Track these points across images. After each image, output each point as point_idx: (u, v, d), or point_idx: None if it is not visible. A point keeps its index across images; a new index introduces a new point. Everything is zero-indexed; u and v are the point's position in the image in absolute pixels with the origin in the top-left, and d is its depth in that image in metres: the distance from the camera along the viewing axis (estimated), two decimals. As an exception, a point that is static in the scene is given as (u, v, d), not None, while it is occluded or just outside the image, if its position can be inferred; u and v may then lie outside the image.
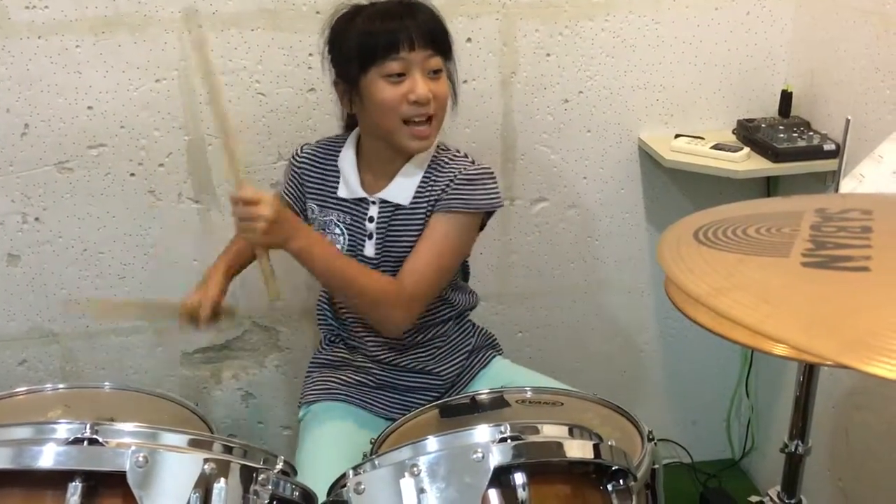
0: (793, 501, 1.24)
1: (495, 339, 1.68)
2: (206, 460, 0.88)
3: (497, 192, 1.47)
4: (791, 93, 1.87)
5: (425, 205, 1.46)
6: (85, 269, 1.85)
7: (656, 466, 1.26)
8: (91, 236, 1.83)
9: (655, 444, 1.27)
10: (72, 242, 1.83)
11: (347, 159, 1.51)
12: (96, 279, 1.87)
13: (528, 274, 2.05)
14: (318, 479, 1.08)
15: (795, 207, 0.86)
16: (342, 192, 1.50)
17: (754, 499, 1.26)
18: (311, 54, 1.75)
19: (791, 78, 1.91)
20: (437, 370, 1.56)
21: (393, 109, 1.37)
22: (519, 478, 0.91)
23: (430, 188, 1.46)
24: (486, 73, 1.85)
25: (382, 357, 1.55)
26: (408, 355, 1.55)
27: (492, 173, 1.47)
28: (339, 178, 1.51)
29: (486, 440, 0.93)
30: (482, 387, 1.53)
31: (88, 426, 0.87)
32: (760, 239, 0.78)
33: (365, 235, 1.48)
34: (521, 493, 0.90)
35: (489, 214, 1.51)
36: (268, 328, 1.99)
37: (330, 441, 1.43)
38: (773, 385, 2.12)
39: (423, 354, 1.56)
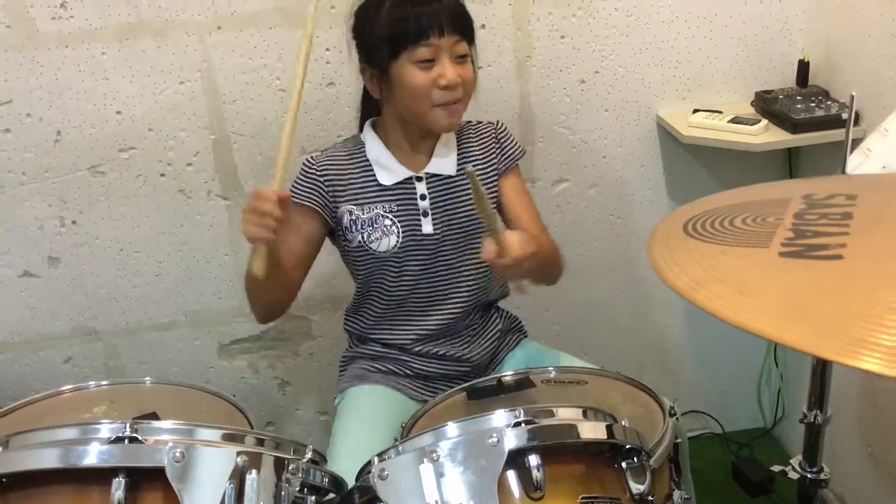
0: (814, 470, 1.26)
1: (521, 322, 1.71)
2: (238, 453, 0.94)
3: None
4: (808, 62, 1.87)
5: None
6: (122, 268, 1.92)
7: (679, 440, 1.29)
8: (126, 236, 1.89)
9: (678, 418, 1.30)
10: (108, 243, 1.89)
11: (378, 150, 1.52)
12: (134, 277, 1.93)
13: (552, 254, 2.08)
14: (351, 464, 1.12)
15: (784, 194, 0.88)
16: (384, 180, 1.51)
17: (777, 468, 1.28)
18: (328, 49, 1.78)
19: (808, 47, 1.91)
20: (469, 357, 1.59)
21: (424, 94, 1.41)
22: (533, 459, 0.94)
23: (467, 156, 1.55)
24: (502, 59, 1.87)
25: (417, 349, 1.58)
26: (443, 343, 1.59)
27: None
28: (372, 171, 1.52)
29: (502, 425, 0.97)
30: (510, 369, 1.58)
31: (128, 425, 0.93)
32: (745, 229, 0.81)
33: (419, 214, 1.51)
34: (536, 474, 0.94)
35: None
36: (300, 317, 2.05)
37: (363, 426, 1.47)
38: (801, 353, 2.13)
39: (457, 342, 1.59)
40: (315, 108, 1.84)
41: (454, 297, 1.57)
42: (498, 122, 1.62)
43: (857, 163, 1.15)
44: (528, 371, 1.46)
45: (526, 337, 1.70)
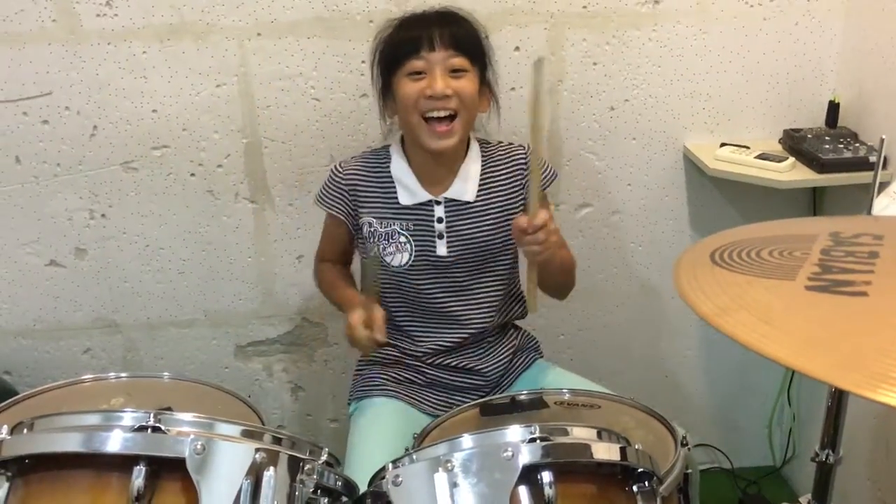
0: (823, 510, 1.26)
1: (537, 342, 1.72)
2: (257, 450, 0.95)
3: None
4: (838, 103, 1.88)
5: (492, 200, 1.56)
6: (147, 263, 1.95)
7: (689, 471, 1.29)
8: (153, 233, 1.92)
9: (689, 449, 1.30)
10: (135, 238, 1.92)
11: (401, 168, 1.56)
12: (157, 273, 1.96)
13: (571, 277, 2.09)
14: (363, 471, 1.14)
15: (811, 230, 0.89)
16: (404, 200, 1.54)
17: (785, 506, 1.28)
18: (363, 61, 1.81)
19: (839, 88, 1.91)
20: (482, 369, 1.61)
21: (413, 105, 1.45)
22: (546, 476, 0.95)
23: (491, 182, 1.56)
24: (534, 81, 1.89)
25: (433, 358, 1.61)
26: (457, 355, 1.61)
27: None
28: (394, 187, 1.55)
29: (517, 440, 0.98)
30: (523, 387, 1.58)
31: (152, 415, 0.95)
32: (772, 262, 0.82)
33: (434, 236, 1.54)
34: (548, 491, 0.94)
35: None
36: (317, 324, 2.06)
37: (377, 436, 1.49)
38: (815, 393, 2.13)
39: (472, 354, 1.61)
40: (347, 119, 1.86)
41: (469, 318, 1.59)
42: (529, 145, 1.61)
43: (883, 205, 1.15)
44: (542, 391, 1.47)
45: (542, 357, 1.71)
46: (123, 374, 1.47)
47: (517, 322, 1.70)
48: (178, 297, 1.99)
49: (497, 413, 1.42)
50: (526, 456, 0.96)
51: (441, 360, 1.61)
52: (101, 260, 1.93)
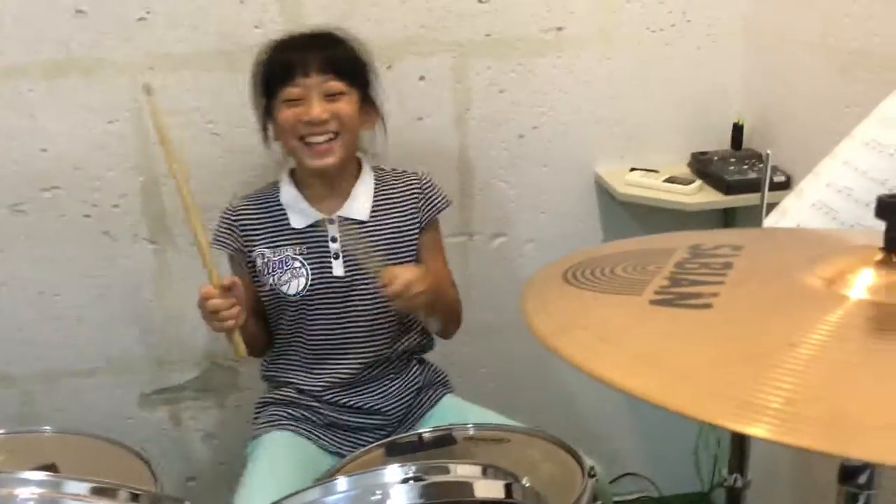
0: (735, 537, 1.23)
1: (446, 377, 1.67)
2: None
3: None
4: (742, 125, 1.89)
5: (386, 220, 1.54)
6: (42, 311, 1.85)
7: (599, 503, 1.25)
8: (47, 278, 1.83)
9: (597, 480, 1.26)
10: (27, 284, 1.82)
11: (290, 194, 1.54)
12: (54, 321, 1.86)
13: (489, 308, 2.05)
14: None
15: (672, 244, 0.87)
16: (296, 223, 1.52)
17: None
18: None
19: (744, 111, 1.93)
20: (384, 409, 1.56)
21: (291, 130, 1.45)
22: (421, 520, 0.90)
23: (385, 202, 1.55)
24: (441, 110, 1.86)
25: (329, 397, 1.55)
26: (355, 395, 1.55)
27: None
28: (285, 214, 1.53)
29: (391, 480, 0.93)
30: (432, 424, 1.53)
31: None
32: (623, 277, 0.79)
33: (330, 256, 1.51)
34: (423, 536, 0.89)
35: None
36: (227, 367, 1.98)
37: (272, 476, 1.42)
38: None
39: (372, 393, 1.56)
40: (250, 153, 1.79)
41: (369, 342, 1.55)
42: (423, 172, 1.62)
43: (772, 221, 1.14)
44: (451, 427, 1.42)
45: (451, 392, 1.65)
46: (1, 431, 1.37)
47: (424, 356, 1.65)
48: (78, 345, 1.89)
49: (404, 452, 1.36)
50: (397, 498, 0.90)
51: (338, 397, 1.55)
52: (-9, 308, 1.83)
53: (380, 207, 1.55)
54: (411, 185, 1.59)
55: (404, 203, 1.57)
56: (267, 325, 1.60)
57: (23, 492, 0.87)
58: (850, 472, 0.79)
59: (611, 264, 0.83)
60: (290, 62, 1.44)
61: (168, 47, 1.71)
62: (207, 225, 1.78)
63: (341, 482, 0.94)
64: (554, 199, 1.97)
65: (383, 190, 1.57)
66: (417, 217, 1.57)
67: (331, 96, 1.44)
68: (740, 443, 1.20)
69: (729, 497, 1.25)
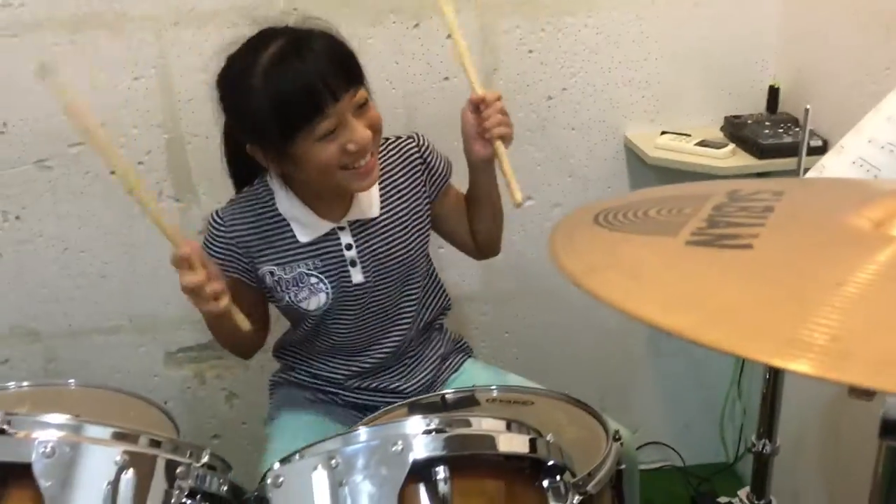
0: (762, 502, 1.21)
1: (465, 342, 1.63)
2: (120, 452, 0.87)
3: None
4: (778, 88, 1.84)
5: (397, 208, 1.44)
6: (66, 267, 1.85)
7: (623, 467, 1.23)
8: (72, 235, 1.83)
9: (622, 444, 1.24)
10: (52, 241, 1.83)
11: (290, 204, 1.37)
12: (78, 278, 1.86)
13: (514, 274, 2.03)
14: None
15: (709, 191, 0.83)
16: (303, 237, 1.37)
17: (723, 500, 1.22)
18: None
19: (779, 73, 1.88)
20: (404, 388, 1.51)
21: (334, 164, 1.25)
22: (441, 471, 0.87)
23: (391, 188, 1.43)
24: (468, 70, 1.83)
25: (349, 383, 1.51)
26: (377, 378, 1.51)
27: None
28: (288, 226, 1.37)
29: (411, 432, 0.91)
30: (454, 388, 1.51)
31: (2, 415, 0.85)
32: (657, 219, 0.75)
33: (347, 265, 1.39)
34: (443, 488, 0.86)
35: None
36: (251, 328, 1.97)
37: (294, 437, 1.40)
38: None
39: (394, 375, 1.52)
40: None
41: (391, 334, 1.48)
42: (418, 136, 1.47)
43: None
44: (473, 389, 1.41)
45: (471, 357, 1.62)
46: (25, 384, 1.38)
47: (444, 322, 1.60)
48: (102, 303, 1.89)
49: (426, 412, 1.35)
50: (419, 449, 0.88)
51: (360, 382, 1.50)
52: (17, 265, 1.83)
53: (387, 195, 1.42)
54: (412, 157, 1.45)
55: (412, 183, 1.44)
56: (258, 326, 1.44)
57: (42, 434, 0.86)
58: (891, 426, 0.76)
59: (644, 208, 0.80)
60: (314, 91, 1.19)
61: (193, 2, 1.69)
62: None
63: (362, 432, 0.93)
64: (582, 163, 1.94)
65: (387, 172, 1.42)
66: (426, 191, 1.46)
67: (360, 107, 1.26)
68: (771, 404, 1.18)
69: (756, 463, 1.23)
